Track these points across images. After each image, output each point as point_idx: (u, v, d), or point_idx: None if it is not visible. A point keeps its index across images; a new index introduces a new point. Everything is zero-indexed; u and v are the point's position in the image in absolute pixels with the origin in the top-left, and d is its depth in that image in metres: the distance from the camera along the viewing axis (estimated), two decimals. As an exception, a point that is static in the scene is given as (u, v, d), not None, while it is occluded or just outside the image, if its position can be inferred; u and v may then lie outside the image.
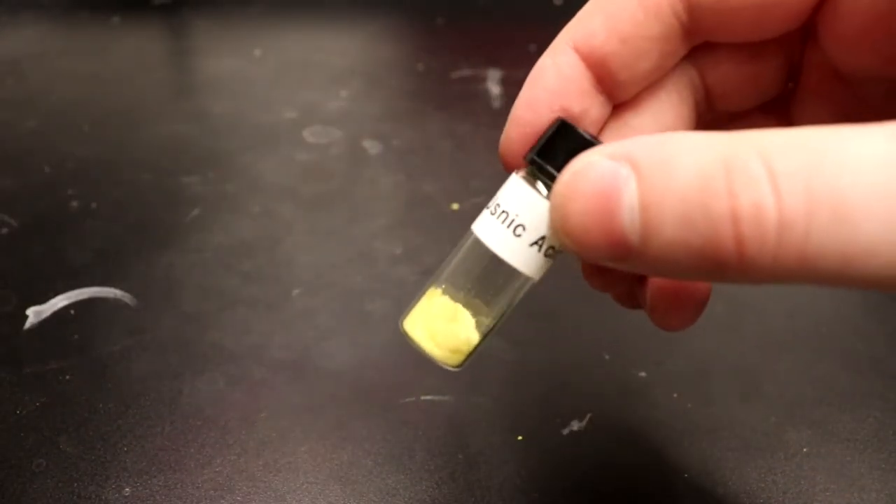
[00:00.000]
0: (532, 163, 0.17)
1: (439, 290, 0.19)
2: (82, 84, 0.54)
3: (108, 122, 0.49)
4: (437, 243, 0.39)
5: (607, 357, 0.32)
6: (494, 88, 0.54)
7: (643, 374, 0.31)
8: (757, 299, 0.36)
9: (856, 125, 0.12)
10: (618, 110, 0.19)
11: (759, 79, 0.20)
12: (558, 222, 0.14)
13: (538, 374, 0.31)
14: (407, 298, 0.36)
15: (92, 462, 0.27)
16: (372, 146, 0.47)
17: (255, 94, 0.53)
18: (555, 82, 0.18)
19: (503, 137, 0.18)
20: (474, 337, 0.19)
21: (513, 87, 0.54)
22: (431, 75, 0.57)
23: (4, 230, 0.39)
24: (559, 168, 0.16)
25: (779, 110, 0.21)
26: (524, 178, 0.18)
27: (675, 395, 0.30)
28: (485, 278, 0.18)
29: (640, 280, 0.20)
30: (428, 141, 0.48)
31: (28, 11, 0.64)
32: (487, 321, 0.19)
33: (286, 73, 0.56)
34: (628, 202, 0.13)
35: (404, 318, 0.19)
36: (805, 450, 0.28)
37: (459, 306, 0.18)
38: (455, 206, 0.41)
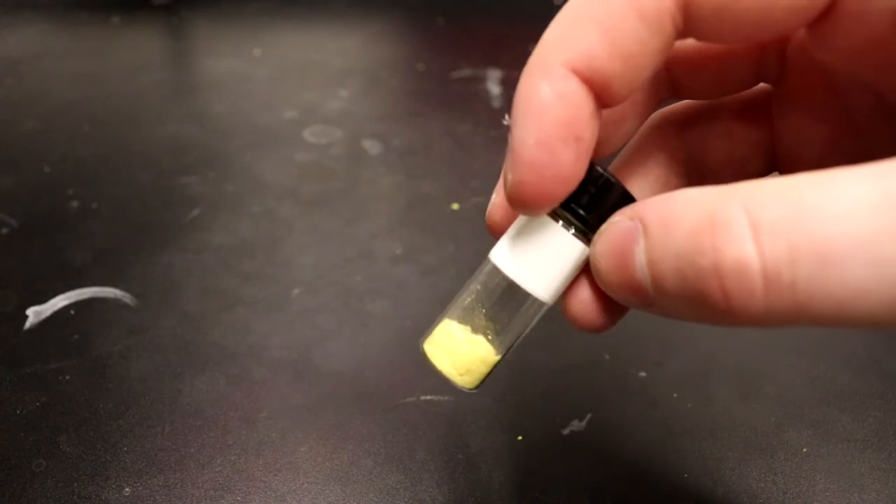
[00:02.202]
0: (570, 211, 0.17)
1: (456, 318, 0.19)
2: (82, 84, 0.54)
3: (108, 122, 0.49)
4: (437, 243, 0.39)
5: (607, 357, 0.32)
6: (494, 88, 0.54)
7: (643, 374, 0.31)
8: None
9: (839, 169, 0.13)
10: None
11: (725, 76, 0.20)
12: (596, 278, 0.16)
13: (538, 374, 0.31)
14: (407, 298, 0.36)
15: (92, 462, 0.27)
16: (372, 146, 0.47)
17: (255, 94, 0.53)
18: (564, 114, 0.16)
19: (515, 181, 0.16)
20: (491, 359, 0.19)
21: (512, 88, 0.54)
22: (431, 75, 0.57)
23: (4, 230, 0.39)
24: (592, 216, 0.17)
25: (762, 112, 0.21)
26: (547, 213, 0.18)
27: (675, 395, 0.30)
28: (503, 305, 0.19)
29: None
30: (428, 141, 0.48)
31: (28, 11, 0.64)
32: (502, 346, 0.19)
33: (286, 73, 0.56)
34: (639, 258, 0.15)
35: (424, 339, 0.20)
36: (805, 450, 0.28)
37: (475, 332, 0.19)
38: (455, 206, 0.41)
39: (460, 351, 0.19)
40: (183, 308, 0.34)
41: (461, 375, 0.19)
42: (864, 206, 0.12)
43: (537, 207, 0.17)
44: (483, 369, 0.19)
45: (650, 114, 0.20)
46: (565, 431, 0.29)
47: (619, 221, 0.15)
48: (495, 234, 0.19)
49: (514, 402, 0.30)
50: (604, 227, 0.16)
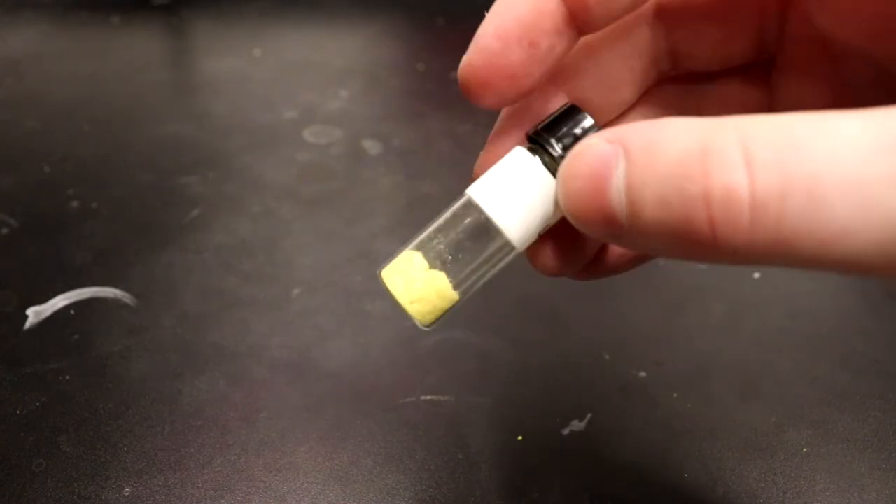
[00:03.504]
0: (536, 139, 0.18)
1: (419, 250, 0.19)
2: (82, 84, 0.54)
3: (108, 122, 0.49)
4: (437, 243, 0.39)
5: (607, 357, 0.32)
6: (494, 88, 0.54)
7: (643, 374, 0.31)
8: (757, 299, 0.36)
9: (837, 111, 0.13)
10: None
11: (727, 44, 0.20)
12: (562, 200, 0.15)
13: (538, 374, 0.31)
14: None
15: (92, 462, 0.27)
16: (372, 146, 0.47)
17: (255, 94, 0.53)
18: (528, 15, 0.17)
19: (465, 61, 0.18)
20: (448, 295, 0.19)
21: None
22: (431, 75, 0.57)
23: (4, 230, 0.39)
24: (562, 146, 0.18)
25: (761, 80, 0.20)
26: (528, 149, 0.18)
27: (675, 395, 0.30)
28: (470, 243, 0.19)
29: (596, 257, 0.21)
30: (428, 141, 0.48)
31: (28, 11, 0.64)
32: (465, 286, 0.19)
33: (286, 73, 0.56)
34: (616, 183, 0.14)
35: (382, 267, 0.19)
36: (805, 450, 0.28)
37: (436, 267, 0.19)
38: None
39: (417, 281, 0.18)
40: (183, 308, 0.34)
41: (413, 305, 0.19)
42: (857, 147, 0.12)
43: (480, 95, 0.18)
44: (440, 304, 0.19)
45: (650, 84, 0.20)
46: (565, 431, 0.29)
47: (596, 143, 0.15)
48: (470, 86, 0.18)
49: (514, 402, 0.30)
50: (577, 148, 0.15)
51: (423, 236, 0.19)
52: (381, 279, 0.19)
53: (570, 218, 0.15)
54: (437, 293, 0.19)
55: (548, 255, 0.20)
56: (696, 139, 0.13)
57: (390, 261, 0.19)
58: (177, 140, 0.48)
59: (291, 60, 0.58)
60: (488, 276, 0.19)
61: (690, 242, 0.13)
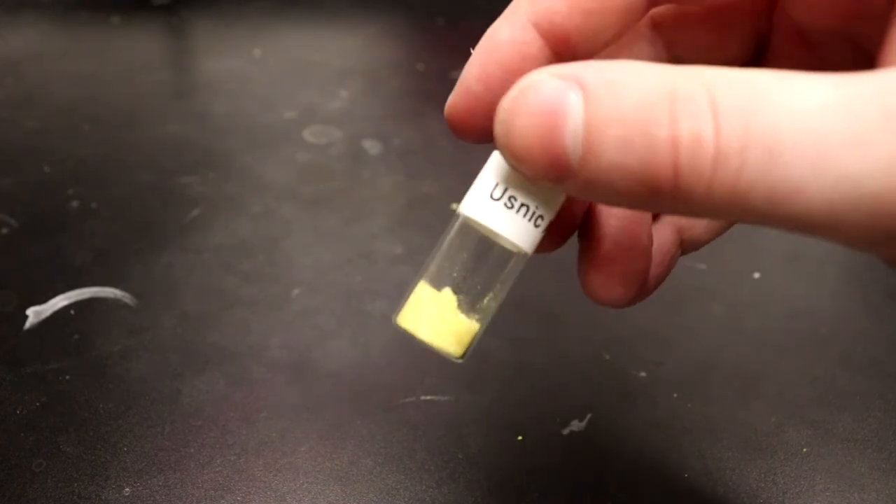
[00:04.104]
0: None
1: (429, 283, 0.18)
2: (82, 84, 0.54)
3: (108, 122, 0.49)
4: (437, 243, 0.39)
5: (607, 357, 0.32)
6: (494, 88, 0.54)
7: (643, 374, 0.31)
8: (757, 299, 0.36)
9: (804, 72, 0.13)
10: None
11: (726, 49, 0.20)
12: (501, 137, 0.14)
13: (538, 374, 0.31)
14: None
15: (92, 462, 0.27)
16: (372, 146, 0.47)
17: (255, 94, 0.53)
18: (510, 59, 0.17)
19: (450, 102, 0.18)
20: (473, 326, 0.18)
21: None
22: (431, 75, 0.57)
23: (4, 230, 0.39)
24: None
25: None
26: None
27: (675, 395, 0.31)
28: (477, 261, 0.18)
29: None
30: (428, 141, 0.48)
31: (28, 11, 0.64)
32: (485, 306, 0.18)
33: (286, 73, 0.56)
34: (573, 123, 0.13)
35: (398, 314, 0.19)
36: (805, 450, 0.28)
37: (451, 296, 0.18)
38: (455, 206, 0.41)
39: (435, 317, 0.18)
40: (183, 308, 0.34)
41: (439, 342, 0.18)
42: (818, 106, 0.12)
43: (464, 133, 0.18)
44: (465, 334, 0.18)
45: None
46: (565, 431, 0.29)
47: (546, 79, 0.14)
48: (454, 126, 0.19)
49: (514, 402, 0.30)
50: (522, 82, 0.14)
51: (429, 269, 0.18)
52: (399, 325, 0.18)
53: (507, 155, 0.14)
54: (458, 324, 0.18)
55: (604, 288, 0.19)
56: (661, 83, 0.13)
57: (403, 305, 0.18)
58: (177, 140, 0.47)
59: (291, 60, 0.58)
60: (506, 288, 0.18)
61: (648, 189, 0.13)
